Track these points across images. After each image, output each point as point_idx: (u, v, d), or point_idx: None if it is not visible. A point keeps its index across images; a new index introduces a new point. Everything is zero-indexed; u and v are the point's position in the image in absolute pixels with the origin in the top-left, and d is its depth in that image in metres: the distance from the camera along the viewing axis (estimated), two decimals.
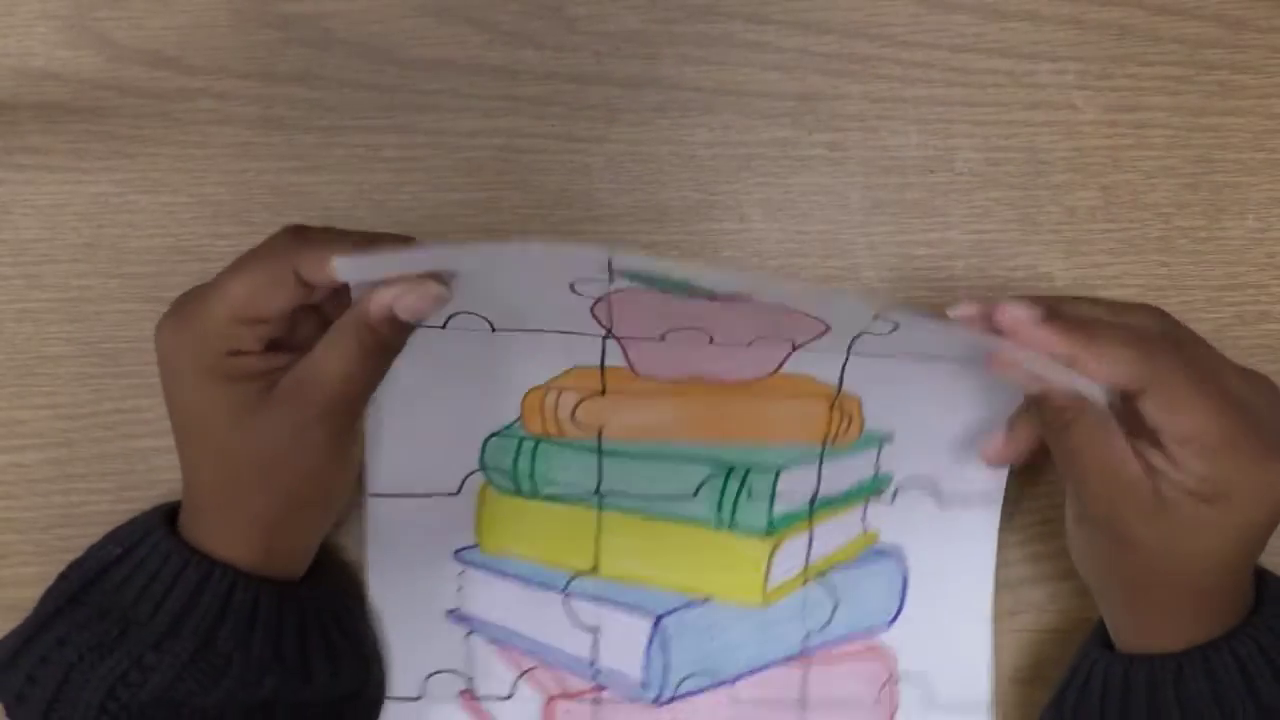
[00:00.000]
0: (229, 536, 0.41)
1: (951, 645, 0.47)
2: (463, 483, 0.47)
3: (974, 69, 0.48)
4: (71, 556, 0.47)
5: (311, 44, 0.48)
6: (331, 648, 0.43)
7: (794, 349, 0.45)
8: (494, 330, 0.45)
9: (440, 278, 0.38)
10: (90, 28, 0.48)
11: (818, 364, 0.45)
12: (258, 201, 0.48)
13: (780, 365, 0.45)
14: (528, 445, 0.47)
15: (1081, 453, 0.39)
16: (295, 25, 0.48)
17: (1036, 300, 0.39)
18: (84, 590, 0.41)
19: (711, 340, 0.45)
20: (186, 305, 0.40)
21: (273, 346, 0.40)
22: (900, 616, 0.48)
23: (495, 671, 0.48)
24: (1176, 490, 0.38)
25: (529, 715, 0.48)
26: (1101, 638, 0.44)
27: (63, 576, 0.42)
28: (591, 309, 0.43)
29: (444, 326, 0.44)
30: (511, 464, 0.47)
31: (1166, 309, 0.48)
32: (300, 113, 0.48)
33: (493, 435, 0.47)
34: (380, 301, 0.38)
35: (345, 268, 0.38)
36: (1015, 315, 0.38)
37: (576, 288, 0.41)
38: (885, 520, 0.47)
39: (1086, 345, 0.38)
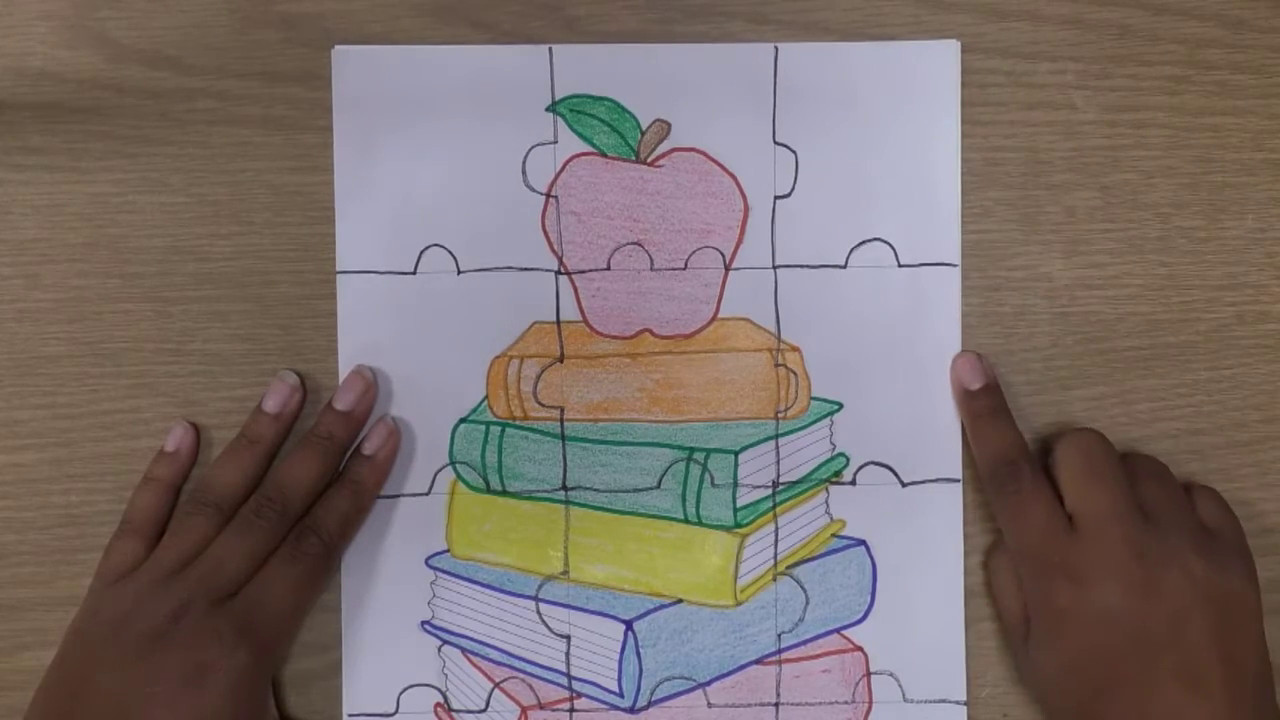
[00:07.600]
0: None
1: (925, 638, 0.47)
2: (433, 481, 0.47)
3: (974, 69, 0.48)
4: (70, 557, 0.47)
5: (311, 44, 0.48)
6: None
7: (727, 271, 0.47)
8: (460, 273, 0.47)
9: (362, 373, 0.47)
10: (90, 28, 0.48)
11: (751, 300, 0.47)
12: (258, 201, 0.48)
13: (718, 303, 0.47)
14: (494, 432, 0.47)
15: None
16: (295, 25, 0.48)
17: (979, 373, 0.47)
18: None
19: (652, 264, 0.47)
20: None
21: None
22: (872, 611, 0.48)
23: (469, 684, 0.48)
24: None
25: None
26: None
27: None
28: (542, 218, 0.47)
29: (414, 272, 0.47)
30: (479, 455, 0.47)
31: (1166, 308, 0.48)
32: (300, 113, 0.48)
33: (461, 421, 0.47)
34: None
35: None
36: (956, 368, 0.47)
37: (528, 173, 0.47)
38: (850, 506, 0.48)
39: (970, 426, 0.47)
